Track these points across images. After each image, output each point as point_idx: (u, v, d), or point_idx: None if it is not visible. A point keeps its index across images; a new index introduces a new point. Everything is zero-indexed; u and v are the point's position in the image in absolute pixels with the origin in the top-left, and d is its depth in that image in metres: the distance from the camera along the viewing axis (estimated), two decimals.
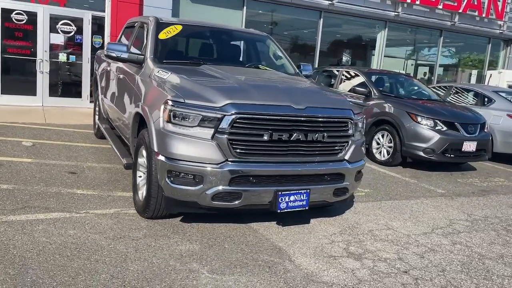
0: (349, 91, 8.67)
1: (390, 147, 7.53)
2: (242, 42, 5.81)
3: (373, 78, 8.85)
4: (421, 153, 7.14)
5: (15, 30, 10.17)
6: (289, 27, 14.52)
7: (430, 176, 7.19)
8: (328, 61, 14.68)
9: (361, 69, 9.35)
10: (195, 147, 3.58)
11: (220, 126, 3.56)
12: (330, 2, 13.37)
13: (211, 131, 3.58)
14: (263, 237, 3.98)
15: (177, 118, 3.61)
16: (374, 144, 7.83)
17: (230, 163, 3.60)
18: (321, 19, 14.02)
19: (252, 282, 3.15)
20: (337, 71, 9.52)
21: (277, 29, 14.18)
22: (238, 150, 3.63)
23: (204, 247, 3.65)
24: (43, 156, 6.00)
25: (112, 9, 10.74)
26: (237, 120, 3.58)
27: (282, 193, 3.75)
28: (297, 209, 3.86)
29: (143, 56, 4.74)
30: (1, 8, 9.97)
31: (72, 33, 10.66)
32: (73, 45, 10.76)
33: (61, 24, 10.55)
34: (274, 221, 4.35)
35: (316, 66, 13.59)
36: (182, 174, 3.61)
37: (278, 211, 3.78)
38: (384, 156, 7.63)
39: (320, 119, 3.89)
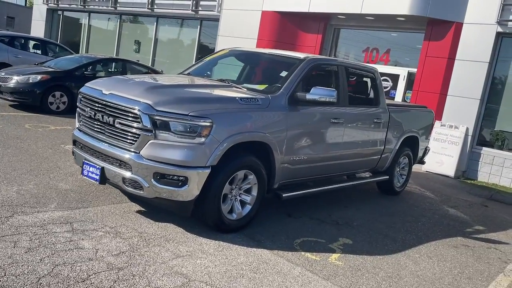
0: None
1: None
2: (271, 64, 5.83)
3: None
4: None
5: None
6: None
7: None
8: None
9: None
10: None
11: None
12: None
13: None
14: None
15: None
16: None
17: (76, 130, 4.74)
18: None
19: None
20: None
21: None
22: (80, 121, 4.67)
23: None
24: None
25: (419, 65, 10.69)
26: (80, 98, 4.64)
27: (86, 161, 4.40)
28: (93, 180, 4.28)
29: None
30: None
31: (388, 88, 11.22)
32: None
33: (382, 81, 11.35)
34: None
35: None
36: None
37: (82, 175, 4.43)
38: None
39: (111, 104, 4.15)
